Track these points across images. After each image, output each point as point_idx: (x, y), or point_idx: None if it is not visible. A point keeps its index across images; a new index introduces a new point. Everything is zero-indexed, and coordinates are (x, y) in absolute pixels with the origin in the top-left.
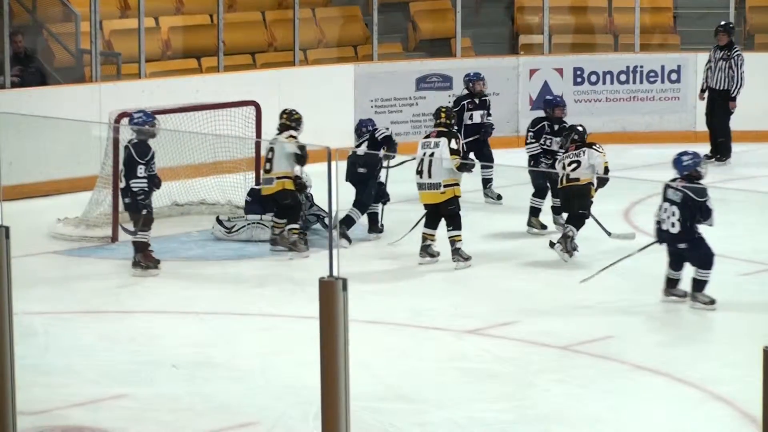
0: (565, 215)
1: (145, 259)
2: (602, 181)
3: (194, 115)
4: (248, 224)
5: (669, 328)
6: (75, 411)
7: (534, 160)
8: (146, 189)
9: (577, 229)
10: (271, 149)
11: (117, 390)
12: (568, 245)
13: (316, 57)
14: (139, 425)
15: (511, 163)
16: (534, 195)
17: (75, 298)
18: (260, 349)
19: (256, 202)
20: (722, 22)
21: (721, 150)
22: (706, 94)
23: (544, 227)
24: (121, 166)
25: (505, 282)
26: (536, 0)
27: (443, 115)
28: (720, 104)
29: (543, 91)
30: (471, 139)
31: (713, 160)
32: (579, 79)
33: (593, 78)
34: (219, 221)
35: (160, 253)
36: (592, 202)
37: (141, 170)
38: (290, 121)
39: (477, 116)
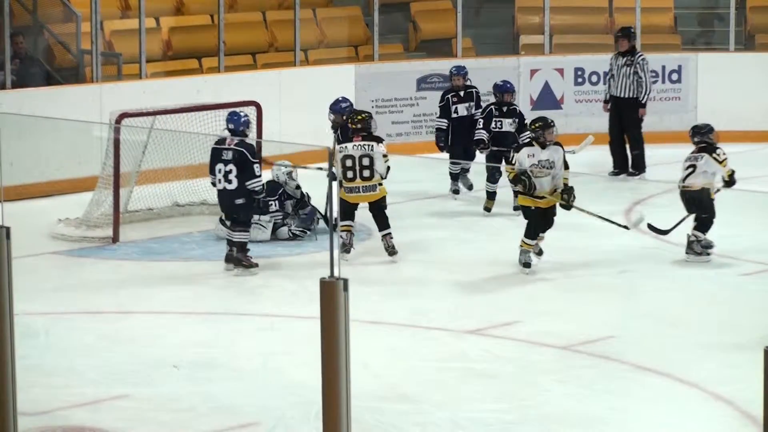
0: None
1: (246, 258)
2: (729, 185)
3: (195, 116)
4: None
5: (669, 329)
6: (76, 411)
7: (476, 144)
8: (264, 188)
9: (703, 233)
10: (368, 156)
11: (118, 390)
12: (695, 248)
13: (316, 57)
14: (139, 425)
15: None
16: (488, 180)
17: (76, 298)
18: (261, 349)
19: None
20: (621, 27)
21: (636, 163)
22: (609, 105)
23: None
24: (222, 168)
25: (506, 282)
26: (537, 0)
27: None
28: (629, 114)
29: (544, 91)
30: (474, 135)
31: (624, 175)
32: (580, 80)
33: (594, 78)
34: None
35: (161, 254)
36: (712, 204)
37: (257, 169)
38: (364, 123)
39: (462, 109)
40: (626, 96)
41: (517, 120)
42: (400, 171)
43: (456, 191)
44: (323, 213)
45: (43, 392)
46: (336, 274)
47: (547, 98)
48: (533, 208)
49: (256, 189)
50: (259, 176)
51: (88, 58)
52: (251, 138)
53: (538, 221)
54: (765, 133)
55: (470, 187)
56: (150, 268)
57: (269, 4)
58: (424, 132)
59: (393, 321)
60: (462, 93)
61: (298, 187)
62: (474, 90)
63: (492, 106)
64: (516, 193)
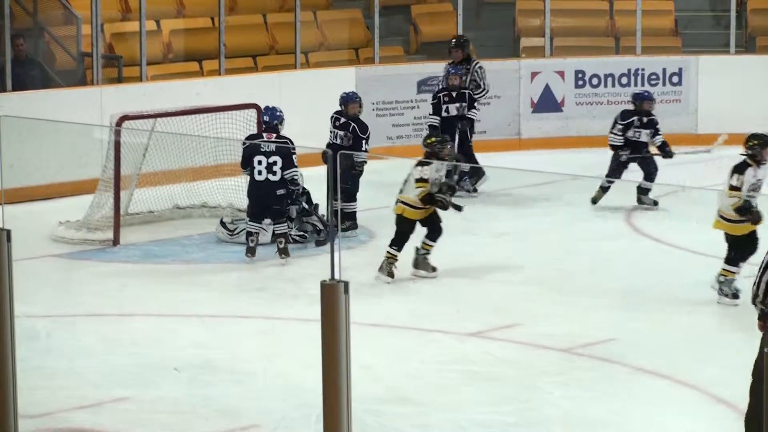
0: (650, 196)
1: (287, 250)
2: None
3: (195, 118)
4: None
5: (670, 331)
6: (77, 414)
7: (615, 150)
8: (302, 178)
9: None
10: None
11: (118, 393)
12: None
13: (317, 60)
14: (140, 428)
15: (513, 165)
16: (607, 175)
17: (76, 301)
18: (262, 351)
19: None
20: (453, 38)
21: (476, 171)
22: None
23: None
24: (264, 160)
25: (507, 284)
26: (537, 3)
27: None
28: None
29: (544, 94)
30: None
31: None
32: (580, 82)
33: (594, 81)
34: (222, 224)
35: (161, 257)
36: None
37: (295, 160)
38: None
39: (452, 109)
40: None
41: (653, 131)
42: (401, 173)
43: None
44: (326, 224)
45: (43, 394)
46: (337, 276)
47: (548, 101)
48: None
49: (295, 178)
50: (297, 167)
51: (89, 61)
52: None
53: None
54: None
55: (475, 190)
56: (151, 270)
57: (270, 7)
58: (424, 134)
59: (394, 323)
60: (455, 93)
61: (304, 193)
62: (467, 92)
63: (635, 117)
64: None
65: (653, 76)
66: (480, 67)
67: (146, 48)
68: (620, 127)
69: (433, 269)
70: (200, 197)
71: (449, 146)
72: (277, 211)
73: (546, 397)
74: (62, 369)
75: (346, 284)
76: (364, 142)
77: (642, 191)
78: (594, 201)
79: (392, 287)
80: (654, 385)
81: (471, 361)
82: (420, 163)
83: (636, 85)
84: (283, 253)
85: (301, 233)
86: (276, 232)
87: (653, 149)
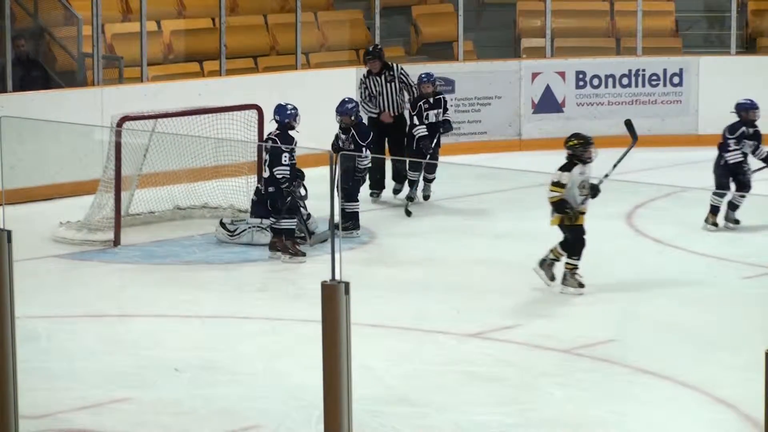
0: (735, 214)
1: (293, 246)
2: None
3: (196, 119)
4: (249, 228)
5: (671, 332)
6: (77, 415)
7: (736, 166)
8: (288, 176)
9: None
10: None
11: (119, 394)
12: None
13: (318, 61)
14: (141, 429)
15: (514, 166)
16: (714, 193)
17: (77, 301)
18: (263, 352)
19: (261, 202)
20: (369, 48)
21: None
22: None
23: (715, 225)
24: (265, 157)
25: (508, 285)
26: (538, 4)
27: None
28: (397, 134)
29: (545, 95)
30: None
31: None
32: (581, 83)
33: (595, 81)
34: (222, 224)
35: (162, 257)
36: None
37: (285, 158)
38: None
39: (432, 116)
40: (397, 113)
41: (757, 143)
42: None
43: (411, 198)
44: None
45: (44, 395)
46: (337, 277)
47: (549, 102)
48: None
49: (278, 176)
50: (286, 165)
51: (90, 62)
52: (296, 131)
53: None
54: (767, 137)
55: (426, 197)
56: (151, 271)
57: (270, 8)
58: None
59: (394, 324)
60: (431, 100)
61: (302, 197)
62: (442, 97)
63: (743, 128)
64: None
65: (654, 77)
66: (403, 69)
67: (147, 49)
68: (734, 141)
69: (581, 285)
70: (201, 198)
71: (592, 148)
72: (274, 208)
73: (546, 397)
74: (63, 370)
75: (347, 285)
76: (364, 149)
77: (732, 207)
78: (735, 221)
79: (392, 287)
80: (654, 385)
81: (471, 361)
82: (561, 168)
83: (637, 86)
84: (279, 248)
85: (299, 234)
86: (279, 228)
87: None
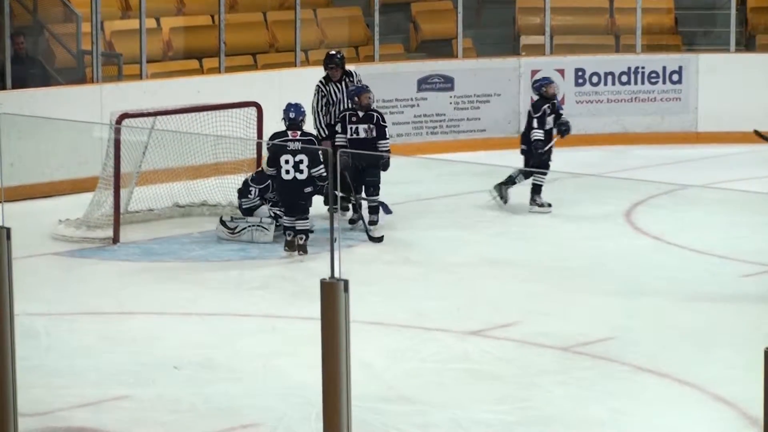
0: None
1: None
2: None
3: (195, 116)
4: (249, 226)
5: (670, 329)
6: (76, 412)
7: (537, 144)
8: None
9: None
10: None
11: (118, 391)
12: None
13: (317, 58)
14: (140, 427)
15: (513, 164)
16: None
17: (76, 299)
18: (262, 350)
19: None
20: (335, 55)
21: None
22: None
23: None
24: (291, 159)
25: (507, 283)
26: (538, 1)
27: None
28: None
29: None
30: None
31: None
32: (580, 80)
33: (594, 79)
34: (222, 222)
35: (161, 255)
36: None
37: (321, 157)
38: None
39: (361, 131)
40: None
41: (556, 115)
42: (400, 171)
43: (354, 221)
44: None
45: (43, 393)
46: (336, 275)
47: None
48: None
49: (323, 174)
50: (323, 163)
51: (89, 59)
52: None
53: None
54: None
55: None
56: (150, 268)
57: (270, 5)
58: (424, 132)
59: (393, 322)
60: (361, 114)
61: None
62: (555, 102)
63: (546, 104)
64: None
65: (653, 75)
66: (358, 77)
67: (146, 46)
68: (537, 119)
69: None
70: (200, 195)
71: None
72: (303, 208)
73: (546, 395)
74: (62, 367)
75: (346, 282)
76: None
77: (536, 189)
78: (541, 205)
79: (392, 286)
80: (653, 383)
81: (471, 359)
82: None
83: (636, 83)
84: (302, 249)
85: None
86: (298, 228)
87: None
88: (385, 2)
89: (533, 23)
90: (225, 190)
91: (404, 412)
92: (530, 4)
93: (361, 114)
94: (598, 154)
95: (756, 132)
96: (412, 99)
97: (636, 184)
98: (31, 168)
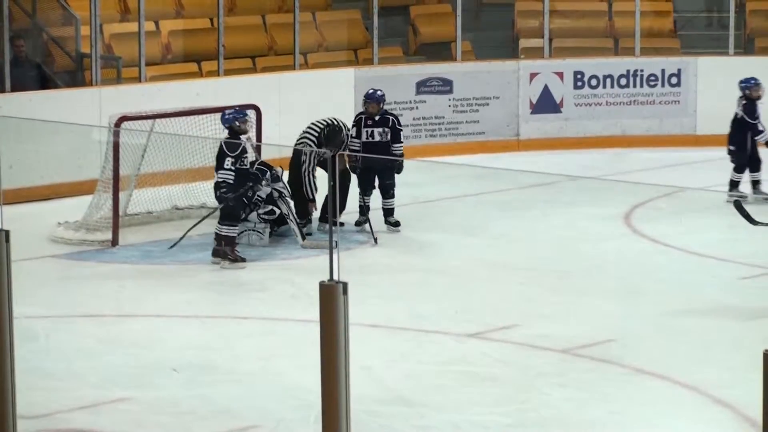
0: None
1: (233, 252)
2: None
3: (194, 119)
4: (246, 230)
5: (669, 332)
6: (76, 414)
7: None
8: (229, 181)
9: None
10: None
11: (118, 393)
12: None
13: (316, 61)
14: (140, 429)
15: (512, 167)
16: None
17: (75, 301)
18: (261, 352)
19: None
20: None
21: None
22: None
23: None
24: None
25: (505, 285)
26: (536, 4)
27: None
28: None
29: (543, 95)
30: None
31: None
32: (579, 83)
33: (593, 82)
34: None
35: (160, 257)
36: None
37: (227, 162)
38: None
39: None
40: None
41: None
42: (399, 174)
43: (360, 223)
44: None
45: (42, 395)
46: (335, 277)
47: (547, 102)
48: None
49: (218, 180)
50: (228, 169)
51: (88, 62)
52: (251, 136)
53: None
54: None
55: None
56: (149, 271)
57: (269, 8)
58: (423, 135)
59: (392, 324)
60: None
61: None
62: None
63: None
64: None
65: (652, 77)
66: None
67: (145, 49)
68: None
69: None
70: (199, 198)
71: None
72: (221, 212)
73: (544, 398)
74: (61, 369)
75: (345, 285)
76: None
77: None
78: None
79: (390, 288)
80: (652, 386)
81: (469, 362)
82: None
83: (635, 86)
84: (219, 255)
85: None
86: (220, 234)
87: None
88: (384, 5)
89: (532, 26)
90: None
91: (403, 414)
92: (529, 8)
93: (376, 117)
94: (597, 157)
95: (737, 204)
96: (411, 102)
97: (635, 187)
98: (30, 171)
